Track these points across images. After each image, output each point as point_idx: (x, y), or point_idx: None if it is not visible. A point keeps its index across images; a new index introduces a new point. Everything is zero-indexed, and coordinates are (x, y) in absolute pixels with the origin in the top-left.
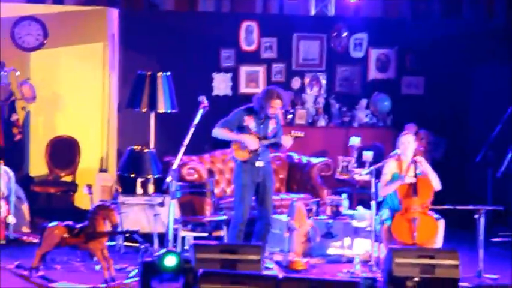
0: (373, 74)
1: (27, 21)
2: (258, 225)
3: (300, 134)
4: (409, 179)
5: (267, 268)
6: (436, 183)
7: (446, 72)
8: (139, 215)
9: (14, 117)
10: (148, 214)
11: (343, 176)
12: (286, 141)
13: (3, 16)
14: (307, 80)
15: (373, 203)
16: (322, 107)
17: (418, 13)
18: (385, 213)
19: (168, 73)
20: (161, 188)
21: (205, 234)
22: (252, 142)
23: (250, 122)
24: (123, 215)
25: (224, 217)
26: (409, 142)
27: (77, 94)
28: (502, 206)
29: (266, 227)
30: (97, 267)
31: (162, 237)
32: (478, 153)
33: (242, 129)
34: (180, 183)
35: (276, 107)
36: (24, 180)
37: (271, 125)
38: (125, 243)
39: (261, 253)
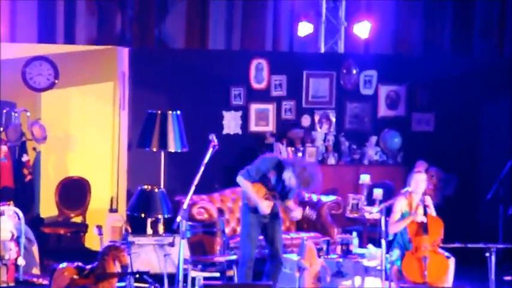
0: (383, 111)
1: (38, 62)
2: (268, 264)
3: (312, 215)
4: (420, 217)
5: None
6: None
7: (457, 109)
8: (150, 255)
9: (24, 158)
10: (159, 254)
11: (353, 215)
12: (296, 213)
13: (14, 57)
14: (317, 118)
15: (383, 242)
16: (332, 145)
17: (428, 50)
18: (395, 253)
19: (178, 112)
20: (171, 228)
21: (216, 274)
22: (265, 209)
23: (272, 176)
24: (133, 255)
25: (234, 256)
26: (421, 180)
27: (87, 134)
28: None
29: (277, 266)
30: None
31: (173, 278)
32: (489, 191)
33: (263, 177)
34: (190, 222)
35: (304, 187)
36: (34, 222)
37: (288, 187)
38: (135, 284)
39: None
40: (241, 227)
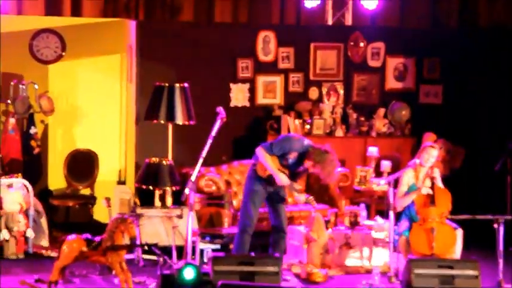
0: (391, 83)
1: (45, 34)
2: (273, 235)
3: (314, 204)
4: (426, 189)
5: (285, 280)
6: None
7: (465, 81)
8: (158, 227)
9: (32, 130)
10: (167, 226)
11: (361, 187)
12: (301, 197)
13: (21, 29)
14: (324, 90)
15: (391, 213)
16: (340, 117)
17: (435, 22)
18: (403, 224)
19: (186, 84)
20: (179, 200)
21: (217, 246)
22: (282, 180)
23: (292, 157)
24: (141, 227)
25: None
26: (433, 156)
27: (95, 106)
28: None
29: (282, 237)
30: (116, 281)
31: (181, 250)
32: (497, 162)
33: (283, 155)
34: (198, 195)
35: (310, 169)
36: (43, 194)
37: (302, 169)
38: (144, 256)
39: (279, 265)
40: (245, 194)
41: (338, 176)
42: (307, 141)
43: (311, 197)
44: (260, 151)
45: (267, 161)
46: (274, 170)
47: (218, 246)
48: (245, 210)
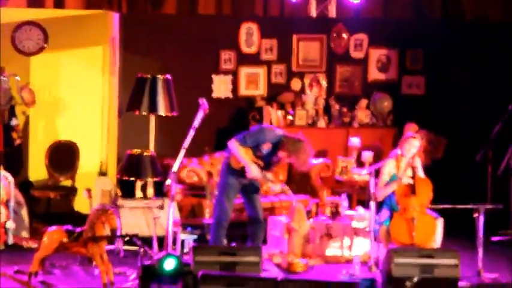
0: (373, 74)
1: (27, 26)
2: (251, 227)
3: (289, 193)
4: (407, 179)
5: (266, 270)
6: None
7: (447, 72)
8: (139, 218)
9: (14, 121)
10: (148, 217)
11: (342, 177)
12: (276, 186)
13: (3, 22)
14: (307, 81)
15: (372, 204)
16: (322, 108)
17: (418, 13)
18: (384, 214)
19: (168, 76)
20: (161, 191)
21: (194, 236)
22: (254, 172)
23: (267, 147)
24: (122, 218)
25: None
26: (415, 146)
27: (77, 98)
28: (502, 204)
29: (260, 227)
30: (96, 272)
31: (162, 241)
32: (478, 152)
33: (257, 146)
34: (180, 185)
35: (285, 159)
36: (24, 185)
37: (277, 158)
38: (124, 247)
39: (260, 255)
40: (219, 187)
41: (313, 164)
42: (280, 132)
43: (286, 187)
44: (233, 143)
45: (240, 153)
46: (247, 161)
47: (195, 237)
48: (219, 204)
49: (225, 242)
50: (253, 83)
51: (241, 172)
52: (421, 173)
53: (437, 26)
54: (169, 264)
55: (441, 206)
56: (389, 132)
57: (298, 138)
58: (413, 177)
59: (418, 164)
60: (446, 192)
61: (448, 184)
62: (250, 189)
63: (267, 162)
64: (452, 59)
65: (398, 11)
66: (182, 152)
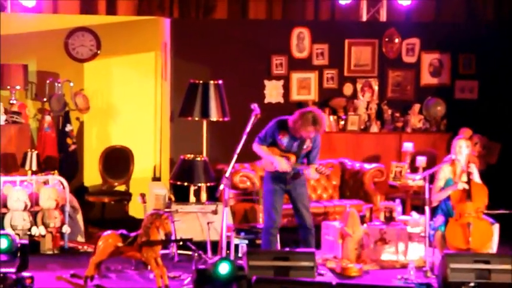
0: (426, 79)
1: (80, 33)
2: (300, 233)
3: (327, 171)
4: (462, 184)
5: (320, 274)
6: None
7: (500, 76)
8: (193, 223)
9: (68, 127)
10: (202, 222)
11: (396, 182)
12: (311, 173)
13: (57, 28)
14: (359, 86)
15: (427, 209)
16: (374, 113)
17: (470, 16)
18: (439, 219)
19: (220, 81)
20: (214, 196)
21: (259, 242)
22: (282, 165)
23: (283, 137)
24: (176, 223)
25: None
26: (460, 146)
27: (129, 103)
28: None
29: (308, 233)
30: (151, 276)
31: (216, 245)
32: None
33: (275, 143)
34: (232, 191)
35: (309, 134)
36: (79, 190)
37: (306, 144)
38: (179, 252)
39: (314, 260)
40: (264, 195)
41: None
42: (284, 118)
43: (320, 167)
44: (254, 146)
45: (262, 152)
46: (272, 156)
47: (247, 242)
48: (266, 211)
49: (278, 247)
50: (305, 88)
51: (280, 178)
52: (477, 179)
53: (490, 29)
54: (224, 269)
55: (497, 212)
56: (443, 137)
57: (301, 112)
58: (468, 183)
59: (474, 169)
60: (501, 197)
61: (502, 189)
62: (295, 196)
63: (298, 152)
64: (505, 63)
65: (451, 14)
66: (235, 157)
